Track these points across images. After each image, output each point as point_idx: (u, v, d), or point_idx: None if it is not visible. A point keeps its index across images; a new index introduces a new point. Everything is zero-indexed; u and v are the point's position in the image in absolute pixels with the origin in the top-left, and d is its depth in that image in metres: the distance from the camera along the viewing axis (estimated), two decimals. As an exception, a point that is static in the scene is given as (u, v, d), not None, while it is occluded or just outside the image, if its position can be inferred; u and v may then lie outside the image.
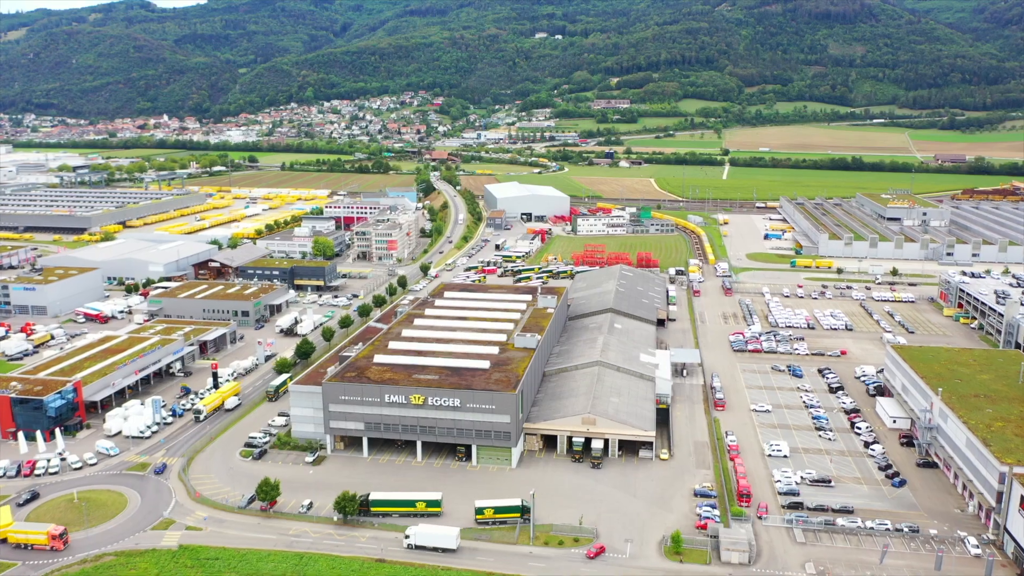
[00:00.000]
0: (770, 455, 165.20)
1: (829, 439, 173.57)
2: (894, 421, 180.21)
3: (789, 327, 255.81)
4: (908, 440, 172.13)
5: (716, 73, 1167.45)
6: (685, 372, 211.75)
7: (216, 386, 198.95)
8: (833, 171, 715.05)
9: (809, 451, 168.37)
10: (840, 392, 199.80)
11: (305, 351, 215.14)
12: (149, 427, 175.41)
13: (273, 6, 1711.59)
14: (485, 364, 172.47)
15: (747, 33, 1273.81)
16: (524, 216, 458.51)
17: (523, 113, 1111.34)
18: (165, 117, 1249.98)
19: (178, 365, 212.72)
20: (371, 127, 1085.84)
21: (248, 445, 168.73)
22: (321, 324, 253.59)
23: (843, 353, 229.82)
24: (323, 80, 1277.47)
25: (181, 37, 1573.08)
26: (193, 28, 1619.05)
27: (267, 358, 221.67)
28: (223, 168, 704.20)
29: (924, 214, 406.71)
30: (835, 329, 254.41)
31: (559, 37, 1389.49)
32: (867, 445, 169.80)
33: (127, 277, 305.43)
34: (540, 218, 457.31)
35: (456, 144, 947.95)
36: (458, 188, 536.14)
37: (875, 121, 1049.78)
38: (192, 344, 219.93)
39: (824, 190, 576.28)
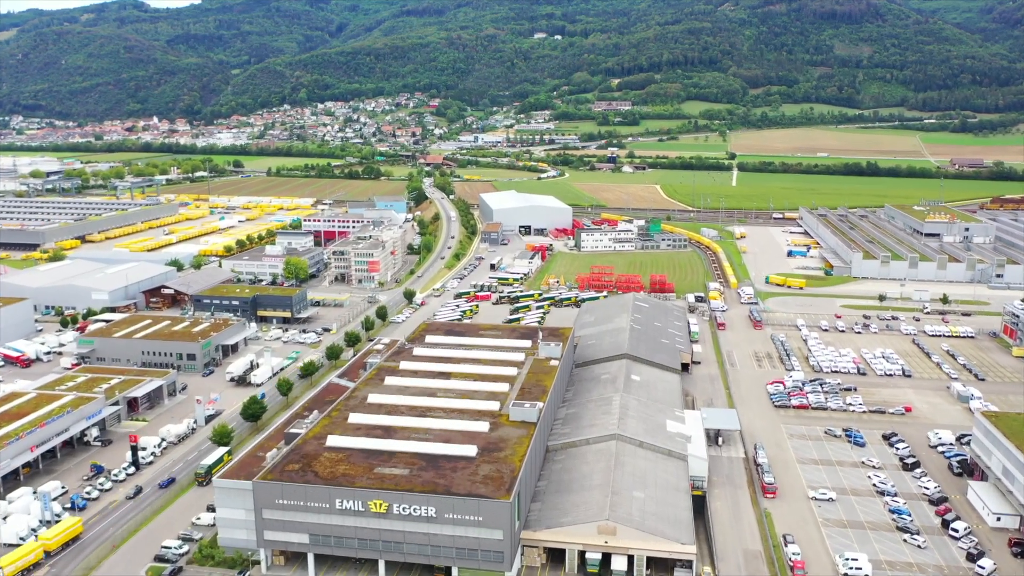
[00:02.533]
0: (847, 575, 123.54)
1: (919, 546, 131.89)
2: (998, 519, 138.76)
3: (835, 372, 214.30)
4: (1022, 548, 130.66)
5: (720, 74, 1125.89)
6: (720, 440, 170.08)
7: (135, 463, 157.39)
8: (847, 176, 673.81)
9: (895, 567, 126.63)
10: (917, 469, 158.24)
11: (254, 413, 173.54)
12: (35, 531, 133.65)
13: (268, 6, 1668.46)
14: (471, 450, 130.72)
15: (751, 33, 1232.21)
16: (522, 229, 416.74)
17: (521, 115, 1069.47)
18: (155, 119, 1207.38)
19: (95, 432, 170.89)
20: (365, 130, 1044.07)
21: (159, 559, 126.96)
22: (282, 370, 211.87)
23: (907, 410, 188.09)
24: (317, 81, 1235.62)
25: (174, 37, 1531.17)
26: (186, 28, 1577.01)
27: (208, 419, 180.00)
28: (205, 174, 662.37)
29: (967, 229, 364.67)
30: (890, 375, 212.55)
31: (558, 37, 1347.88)
32: (971, 558, 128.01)
33: (67, 306, 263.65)
34: (540, 231, 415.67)
35: (452, 147, 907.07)
36: (451, 197, 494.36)
37: (884, 124, 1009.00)
38: (116, 403, 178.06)
39: (842, 198, 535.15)
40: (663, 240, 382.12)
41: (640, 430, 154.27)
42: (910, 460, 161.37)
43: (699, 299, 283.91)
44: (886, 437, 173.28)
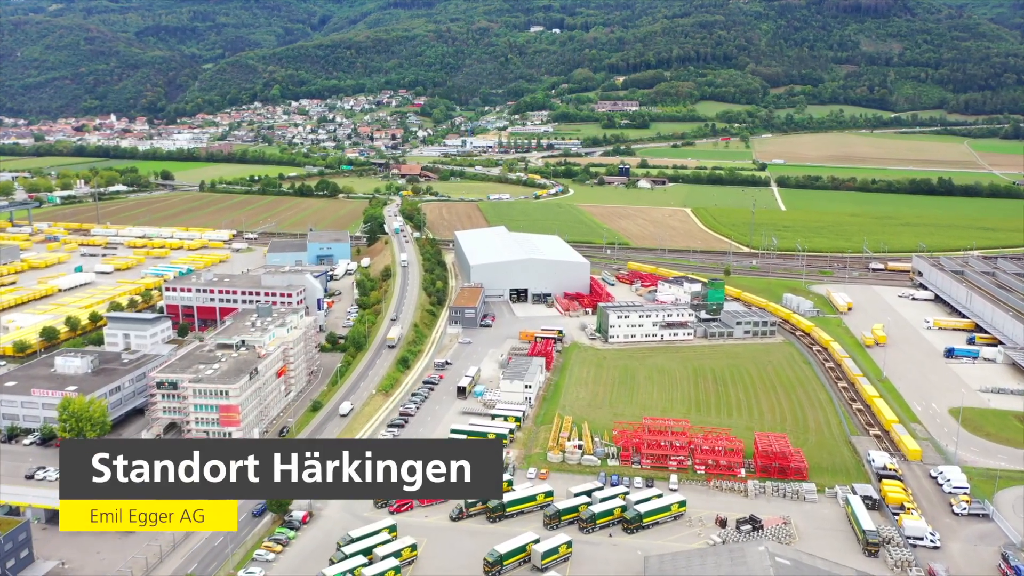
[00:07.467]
0: None
1: None
2: None
3: None
4: None
5: (736, 72, 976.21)
6: None
7: None
8: (915, 196, 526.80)
9: None
10: None
11: None
12: None
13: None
14: None
15: (768, 28, 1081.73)
16: (514, 294, 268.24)
17: (516, 116, 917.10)
18: (112, 117, 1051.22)
19: None
20: (340, 131, 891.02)
21: None
22: None
23: None
24: (292, 77, 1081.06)
25: (143, 29, 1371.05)
26: (157, 19, 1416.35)
27: None
28: (123, 188, 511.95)
29: None
30: None
31: (556, 31, 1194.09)
32: None
33: None
34: (542, 298, 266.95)
35: (436, 153, 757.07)
36: (418, 236, 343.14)
37: (925, 128, 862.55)
38: None
39: (937, 232, 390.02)
40: (736, 322, 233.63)
41: None
42: None
43: (868, 502, 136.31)
44: None
